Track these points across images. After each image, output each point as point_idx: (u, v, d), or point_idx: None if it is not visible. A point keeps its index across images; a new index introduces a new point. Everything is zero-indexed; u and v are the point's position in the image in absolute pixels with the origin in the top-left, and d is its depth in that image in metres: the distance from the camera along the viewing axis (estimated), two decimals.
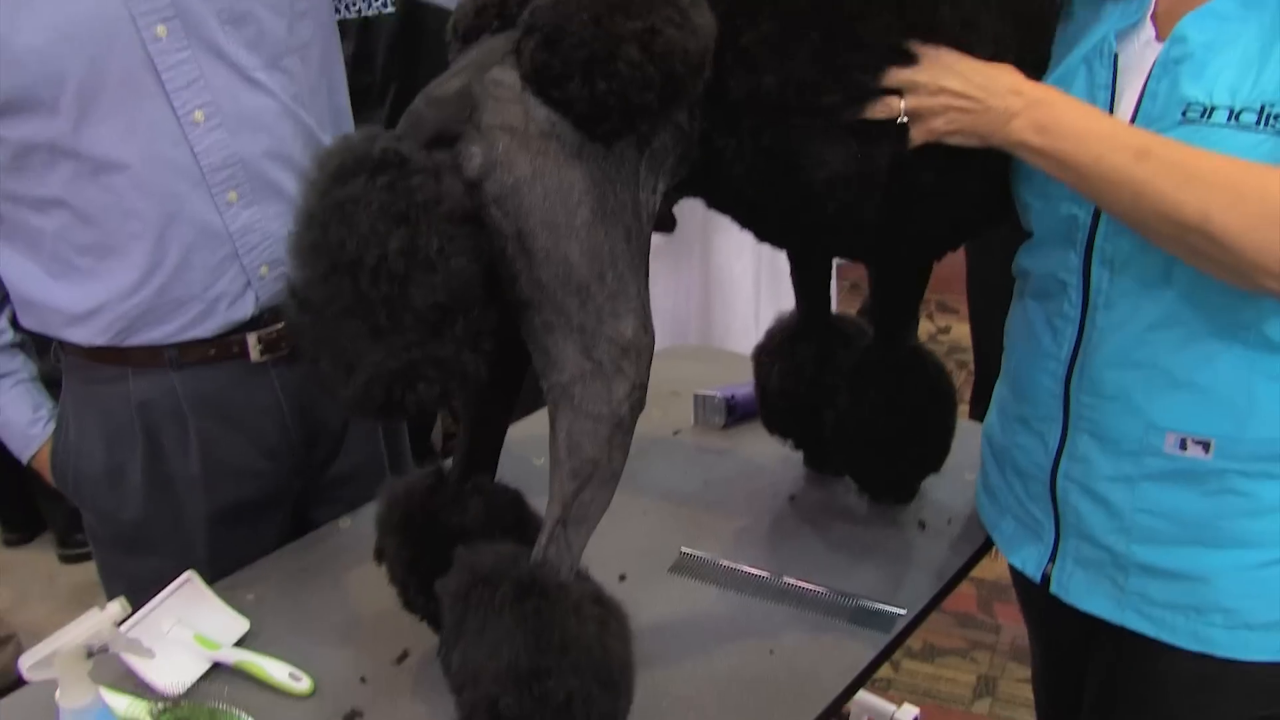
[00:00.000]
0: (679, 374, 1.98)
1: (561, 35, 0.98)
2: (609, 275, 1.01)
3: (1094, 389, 1.14)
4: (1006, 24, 1.13)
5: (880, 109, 1.11)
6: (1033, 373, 1.21)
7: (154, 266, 1.39)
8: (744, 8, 1.10)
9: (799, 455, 1.70)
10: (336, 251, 0.95)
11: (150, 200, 1.36)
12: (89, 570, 1.90)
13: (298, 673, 1.26)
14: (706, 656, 1.30)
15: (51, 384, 1.59)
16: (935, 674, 2.60)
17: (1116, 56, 1.10)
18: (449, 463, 1.30)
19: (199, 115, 1.36)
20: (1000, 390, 1.33)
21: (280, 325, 1.48)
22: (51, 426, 1.55)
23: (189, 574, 1.36)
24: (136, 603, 1.26)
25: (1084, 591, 1.20)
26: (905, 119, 1.10)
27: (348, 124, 1.60)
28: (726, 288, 2.60)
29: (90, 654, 1.03)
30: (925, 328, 4.40)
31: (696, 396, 1.87)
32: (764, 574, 1.45)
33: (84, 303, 1.40)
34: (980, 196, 1.21)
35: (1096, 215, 1.10)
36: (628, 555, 1.47)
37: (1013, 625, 2.64)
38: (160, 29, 1.31)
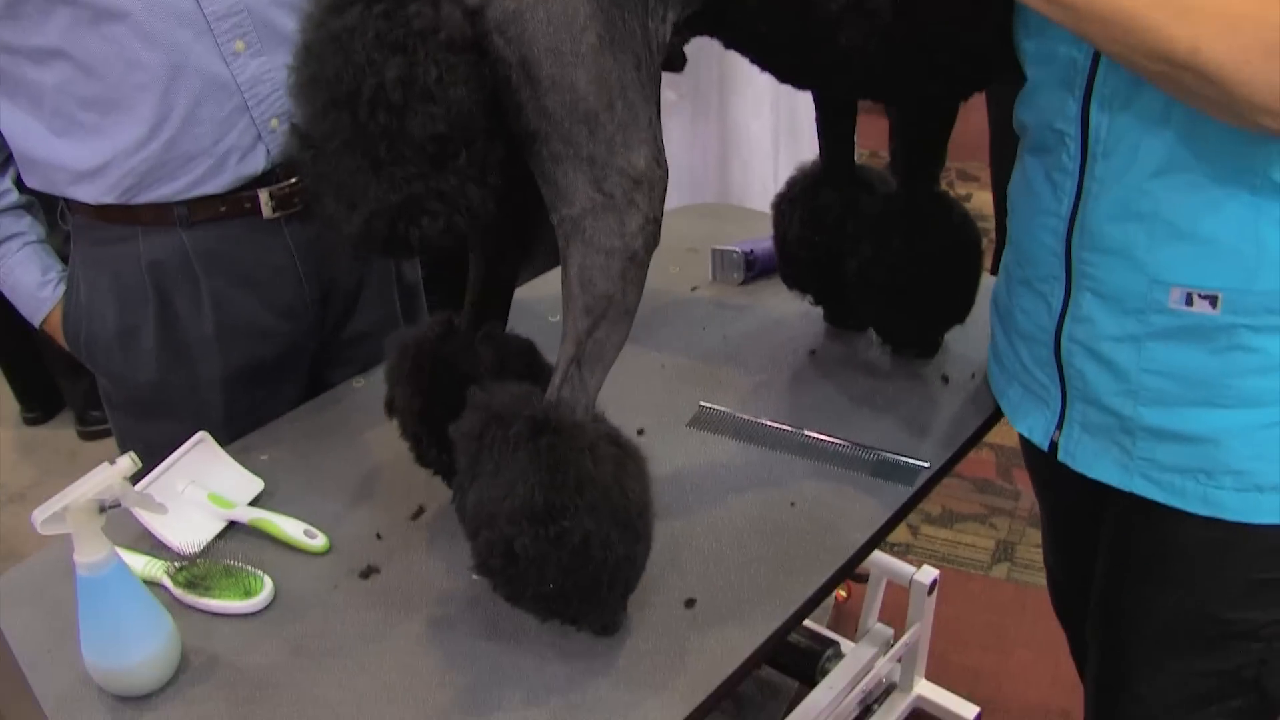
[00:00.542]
0: (696, 231, 1.94)
1: None
2: (618, 104, 0.97)
3: (1095, 244, 1.09)
4: None
5: None
6: (1034, 231, 1.17)
7: (160, 120, 1.35)
8: None
9: (819, 311, 1.67)
10: (333, 84, 0.93)
11: (154, 50, 1.32)
12: (110, 447, 1.90)
13: (313, 530, 1.26)
14: (726, 509, 1.29)
15: (63, 257, 1.56)
16: (954, 539, 2.59)
17: None
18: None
19: None
20: (1005, 255, 1.29)
21: (293, 181, 1.45)
22: (62, 289, 1.53)
23: (201, 434, 1.35)
24: (151, 468, 1.25)
25: (1092, 458, 1.18)
26: None
27: None
28: (744, 146, 2.53)
29: (102, 509, 1.02)
30: None
31: (714, 251, 1.83)
32: (784, 428, 1.43)
33: (90, 159, 1.37)
34: (983, 33, 1.16)
35: (1095, 60, 1.04)
36: (645, 409, 1.46)
37: (1031, 491, 2.63)
38: None
